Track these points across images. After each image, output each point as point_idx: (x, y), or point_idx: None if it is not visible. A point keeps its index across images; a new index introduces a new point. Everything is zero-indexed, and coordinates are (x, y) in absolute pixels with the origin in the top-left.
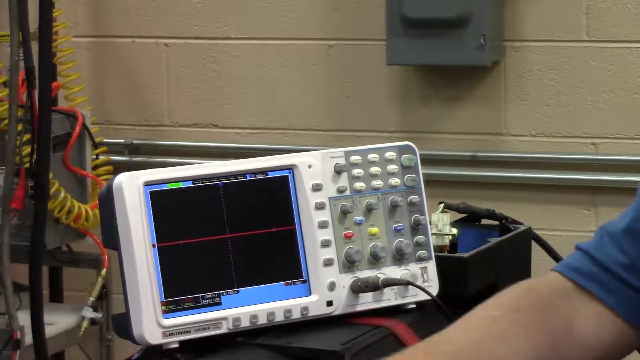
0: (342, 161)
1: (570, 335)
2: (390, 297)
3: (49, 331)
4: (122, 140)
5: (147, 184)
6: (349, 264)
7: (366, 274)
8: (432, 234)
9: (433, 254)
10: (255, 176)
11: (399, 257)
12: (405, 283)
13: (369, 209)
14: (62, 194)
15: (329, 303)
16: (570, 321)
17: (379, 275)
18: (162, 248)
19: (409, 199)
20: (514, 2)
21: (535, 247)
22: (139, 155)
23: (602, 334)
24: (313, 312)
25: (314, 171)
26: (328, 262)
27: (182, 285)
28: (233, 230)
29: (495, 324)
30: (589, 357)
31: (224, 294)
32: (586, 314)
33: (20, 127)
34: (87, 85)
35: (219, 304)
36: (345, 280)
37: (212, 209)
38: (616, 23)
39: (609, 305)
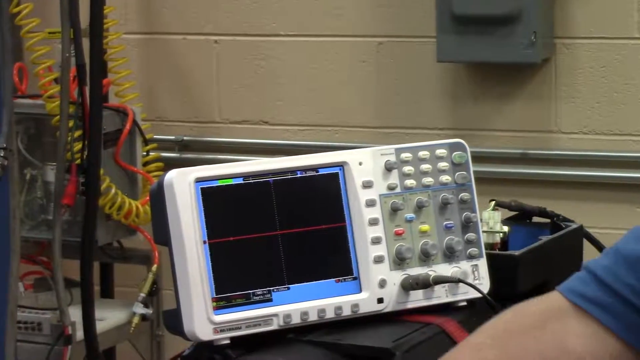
0: (392, 158)
1: (563, 355)
2: (441, 295)
3: (100, 327)
4: (173, 137)
5: (198, 180)
6: (400, 261)
7: (417, 271)
8: (483, 231)
9: (484, 251)
10: (305, 173)
11: (450, 255)
12: (456, 281)
13: (420, 206)
14: (113, 190)
15: (380, 300)
16: (563, 341)
17: (430, 273)
18: (213, 244)
19: (459, 196)
20: None
21: (586, 245)
22: (189, 151)
23: (599, 354)
24: (363, 309)
25: (364, 168)
26: (378, 259)
27: (233, 281)
28: (283, 226)
29: (482, 352)
30: None
31: (275, 290)
32: (581, 334)
33: (71, 123)
34: (138, 82)
35: (270, 300)
36: (396, 278)
37: (262, 205)
38: None
39: (609, 327)
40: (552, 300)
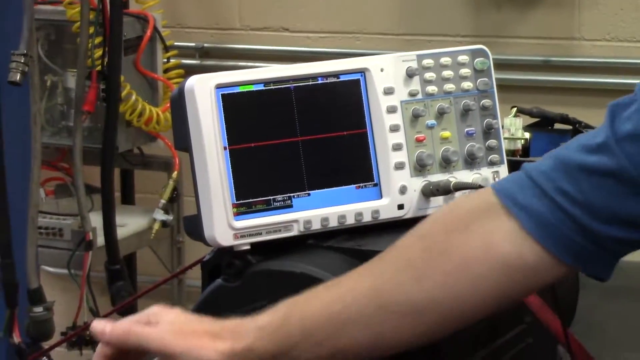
0: (414, 65)
1: (488, 253)
2: None
3: (121, 233)
4: (193, 44)
5: (219, 86)
6: (421, 168)
7: (437, 177)
8: (504, 138)
9: (505, 158)
10: (327, 79)
11: (471, 161)
12: (476, 187)
13: (441, 113)
14: (134, 97)
15: (400, 206)
16: (489, 238)
17: (451, 179)
18: (233, 151)
19: (481, 102)
20: None
21: None
22: (210, 58)
23: (524, 255)
24: (384, 216)
25: (385, 75)
26: (399, 166)
27: (253, 187)
28: (304, 133)
29: (407, 251)
30: (516, 277)
31: (295, 196)
32: (508, 235)
33: (92, 29)
34: None
35: (290, 206)
36: (417, 184)
37: (283, 111)
38: None
39: (534, 234)
40: (485, 197)
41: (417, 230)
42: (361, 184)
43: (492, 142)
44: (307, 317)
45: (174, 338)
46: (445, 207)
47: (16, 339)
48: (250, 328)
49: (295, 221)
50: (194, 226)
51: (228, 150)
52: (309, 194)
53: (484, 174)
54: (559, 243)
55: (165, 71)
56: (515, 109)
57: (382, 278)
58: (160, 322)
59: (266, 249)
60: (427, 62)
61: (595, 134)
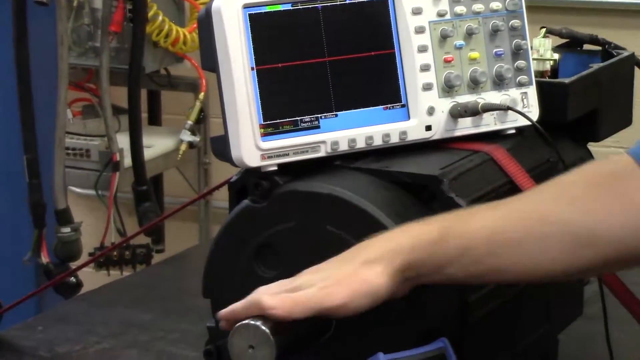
0: None
1: (632, 207)
2: (489, 123)
3: (148, 154)
4: None
5: (246, 6)
6: (449, 89)
7: (465, 98)
8: (533, 59)
9: (534, 79)
10: None
11: (499, 82)
12: (505, 108)
13: (470, 34)
14: (160, 17)
15: (428, 127)
16: (632, 196)
17: (479, 100)
18: (260, 71)
19: (510, 23)
20: None
21: (637, 73)
22: None
23: None
24: (411, 137)
25: None
26: (427, 87)
27: (280, 108)
28: (332, 53)
29: (571, 187)
30: None
31: (323, 117)
32: None
33: None
34: None
35: (318, 127)
36: (445, 105)
37: (311, 32)
38: None
39: None
40: (621, 162)
41: (580, 170)
42: (389, 105)
43: (520, 62)
44: (467, 234)
45: (338, 288)
46: (576, 172)
47: (44, 259)
48: (404, 246)
49: (323, 142)
50: (221, 147)
51: (255, 70)
52: (336, 115)
53: (513, 95)
54: None
55: None
56: (544, 29)
57: (549, 206)
58: (314, 285)
59: (293, 170)
60: None
61: None
